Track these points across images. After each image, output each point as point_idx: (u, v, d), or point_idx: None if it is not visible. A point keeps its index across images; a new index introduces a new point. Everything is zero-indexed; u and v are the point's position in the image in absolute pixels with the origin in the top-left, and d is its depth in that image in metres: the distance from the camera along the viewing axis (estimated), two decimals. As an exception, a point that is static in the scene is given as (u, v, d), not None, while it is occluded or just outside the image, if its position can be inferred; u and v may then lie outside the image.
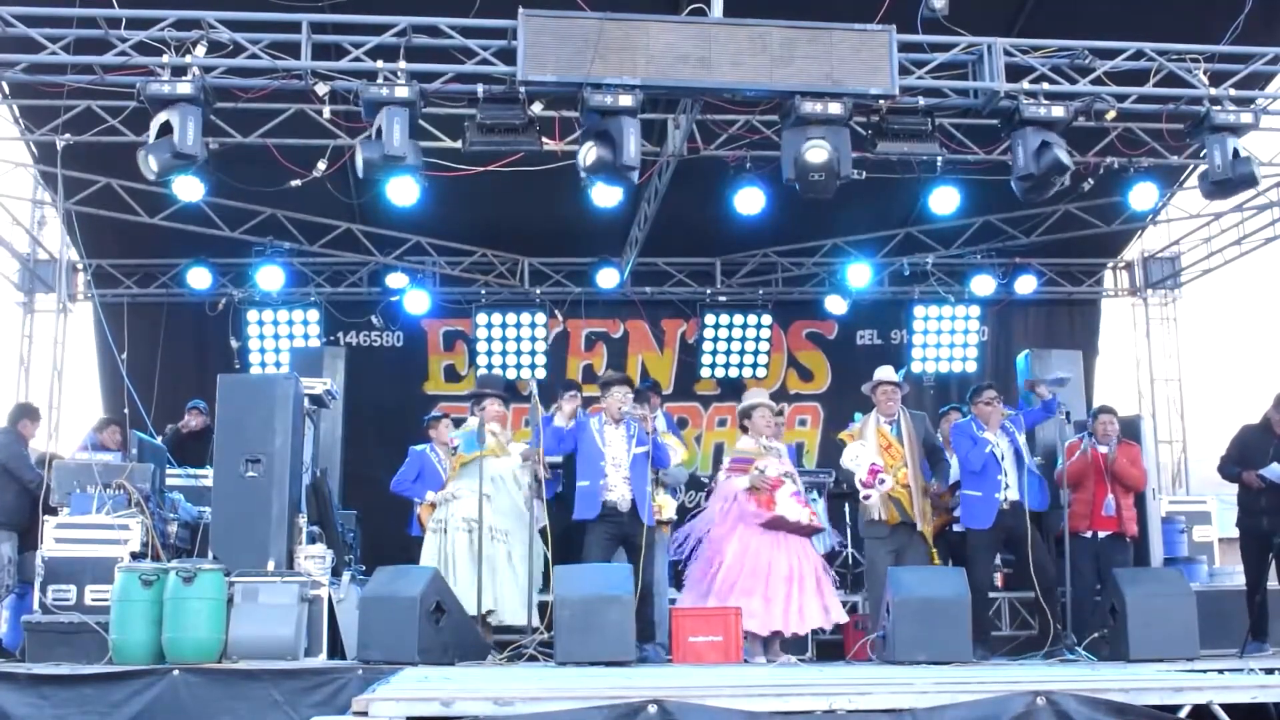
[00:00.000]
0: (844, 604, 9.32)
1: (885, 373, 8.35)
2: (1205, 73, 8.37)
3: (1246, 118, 8.35)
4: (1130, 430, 9.51)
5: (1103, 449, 8.55)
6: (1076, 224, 12.10)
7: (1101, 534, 8.45)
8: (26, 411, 8.76)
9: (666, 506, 8.45)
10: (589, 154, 7.82)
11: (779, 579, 7.69)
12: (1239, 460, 8.42)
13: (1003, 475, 8.07)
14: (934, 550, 8.20)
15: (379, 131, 7.66)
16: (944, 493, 8.93)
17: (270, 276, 11.76)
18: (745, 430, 8.22)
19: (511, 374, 12.43)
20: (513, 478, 8.11)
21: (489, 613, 7.73)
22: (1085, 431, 8.71)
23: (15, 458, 8.26)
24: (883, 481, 7.85)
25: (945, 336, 13.01)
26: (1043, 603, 8.20)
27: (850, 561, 10.06)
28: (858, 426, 8.30)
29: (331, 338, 12.36)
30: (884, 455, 8.02)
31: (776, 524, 7.74)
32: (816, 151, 7.84)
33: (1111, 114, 8.50)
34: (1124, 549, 8.56)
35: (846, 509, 10.11)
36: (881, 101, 8.12)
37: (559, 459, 9.53)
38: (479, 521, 7.73)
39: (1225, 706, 4.42)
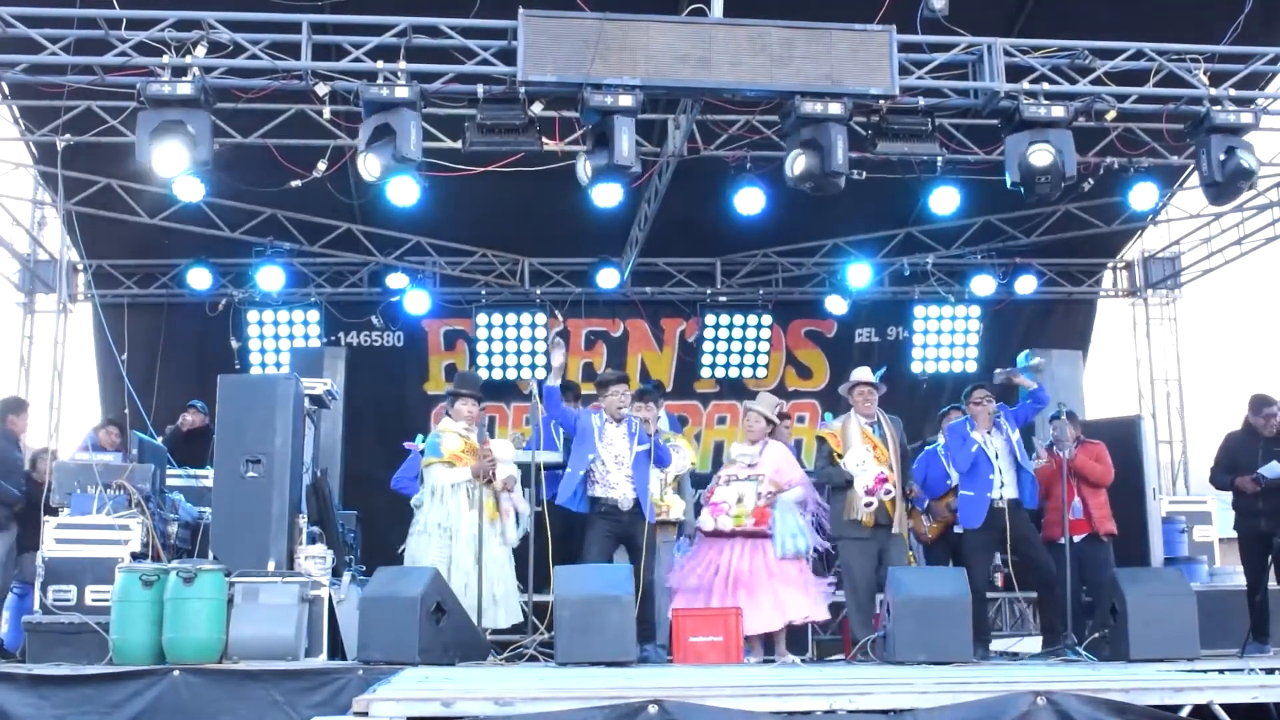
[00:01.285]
0: (844, 604, 9.33)
1: (862, 373, 8.30)
2: (1205, 73, 8.36)
3: (1246, 118, 8.35)
4: (1130, 430, 9.51)
5: (1062, 453, 8.53)
6: (1076, 224, 12.10)
7: (1076, 537, 8.43)
8: (11, 406, 8.65)
9: (674, 506, 8.43)
10: (586, 166, 7.86)
11: (745, 582, 7.78)
12: (1229, 468, 8.45)
13: (995, 474, 8.05)
14: (911, 552, 8.20)
15: (383, 133, 7.65)
16: (947, 494, 8.93)
17: (270, 277, 11.76)
18: None
19: (511, 374, 12.46)
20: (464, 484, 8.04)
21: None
22: (1049, 440, 8.68)
23: (6, 462, 8.23)
24: (888, 493, 7.85)
25: (945, 336, 13.02)
26: (1044, 599, 8.21)
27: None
28: (837, 425, 8.23)
29: (332, 338, 12.37)
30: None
31: (713, 534, 7.89)
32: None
33: (1111, 114, 8.50)
34: (1102, 548, 8.51)
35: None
36: (881, 101, 8.12)
37: (558, 458, 9.49)
38: (444, 524, 7.78)
39: (1226, 707, 4.42)
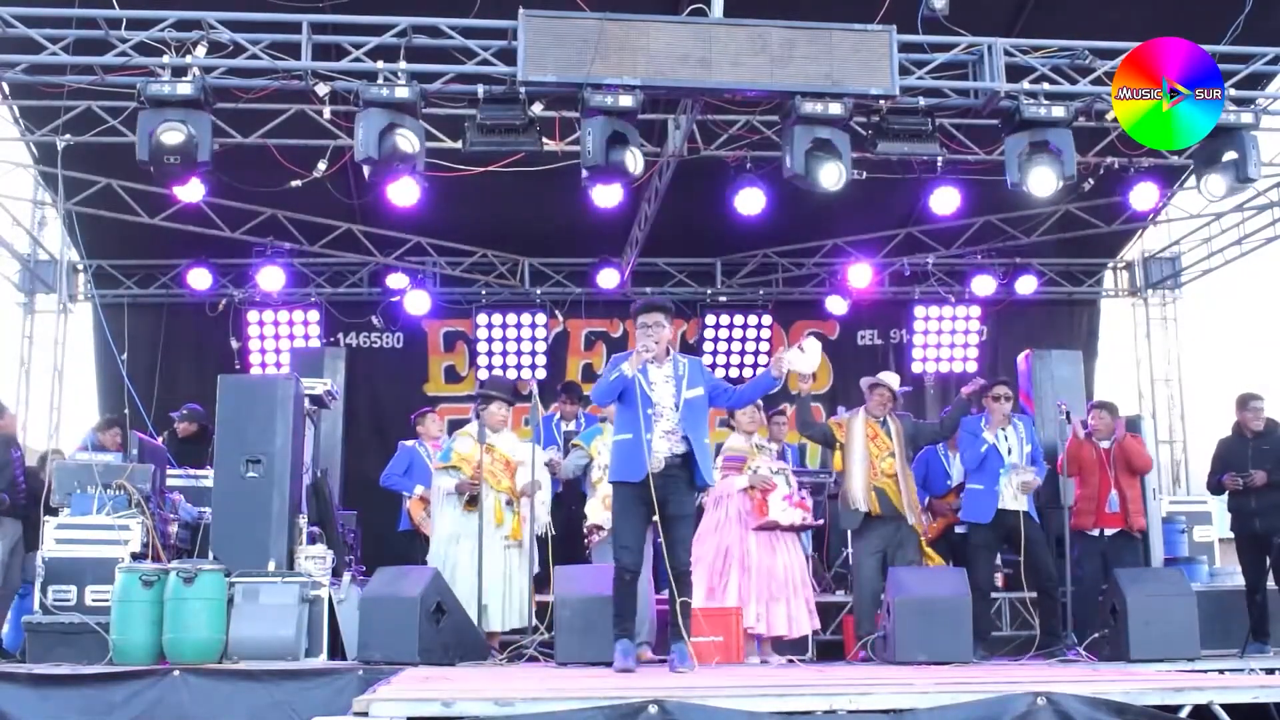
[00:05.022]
0: (845, 604, 9.33)
1: (888, 378, 8.29)
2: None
3: (1247, 118, 8.35)
4: (1130, 430, 9.49)
5: (1104, 444, 8.53)
6: (1076, 224, 12.10)
7: (1108, 531, 8.42)
8: None
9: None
10: (632, 161, 7.84)
11: (779, 583, 7.71)
12: (1221, 471, 8.51)
13: (1005, 469, 8.04)
14: (928, 550, 8.17)
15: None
16: (948, 494, 8.93)
17: (270, 277, 11.76)
18: (733, 429, 8.19)
19: (512, 374, 12.45)
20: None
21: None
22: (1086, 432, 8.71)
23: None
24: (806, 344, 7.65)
25: (945, 336, 13.03)
26: (1043, 602, 8.21)
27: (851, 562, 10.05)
28: (846, 417, 8.25)
29: (332, 338, 12.36)
30: (871, 445, 7.95)
31: (769, 527, 7.74)
32: None
33: (1111, 114, 8.50)
34: (1133, 547, 8.47)
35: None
36: (882, 101, 8.12)
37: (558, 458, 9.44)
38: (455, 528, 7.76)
39: (1226, 707, 4.42)
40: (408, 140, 7.70)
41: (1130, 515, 8.45)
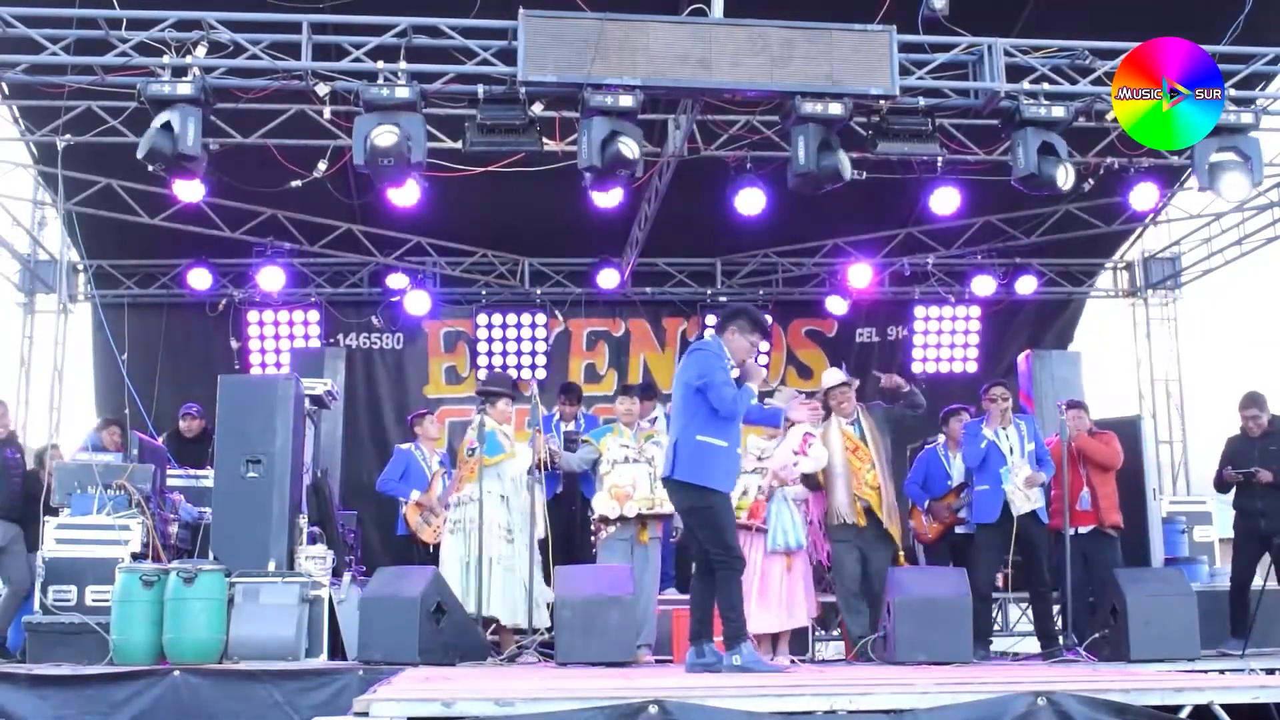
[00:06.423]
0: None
1: (833, 376, 8.26)
2: (1204, 73, 8.36)
3: (1247, 118, 8.35)
4: (1130, 430, 9.52)
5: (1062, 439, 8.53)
6: (1077, 224, 12.10)
7: (1082, 529, 8.42)
8: None
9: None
10: (629, 150, 7.80)
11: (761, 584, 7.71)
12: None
13: (1006, 468, 8.04)
14: (901, 552, 8.16)
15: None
16: (948, 495, 8.92)
17: (270, 277, 11.76)
18: None
19: (512, 374, 12.45)
20: (524, 479, 8.09)
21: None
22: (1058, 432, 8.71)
23: None
24: (812, 446, 7.75)
25: (945, 336, 13.03)
26: (1036, 606, 8.22)
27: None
28: (821, 429, 8.22)
29: (332, 339, 12.36)
30: (852, 457, 7.90)
31: None
32: None
33: (1111, 114, 8.50)
34: (1109, 544, 8.48)
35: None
36: (882, 101, 8.12)
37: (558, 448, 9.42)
38: (508, 524, 7.79)
39: (1226, 707, 4.42)
40: (389, 134, 7.63)
41: (1102, 512, 8.44)
